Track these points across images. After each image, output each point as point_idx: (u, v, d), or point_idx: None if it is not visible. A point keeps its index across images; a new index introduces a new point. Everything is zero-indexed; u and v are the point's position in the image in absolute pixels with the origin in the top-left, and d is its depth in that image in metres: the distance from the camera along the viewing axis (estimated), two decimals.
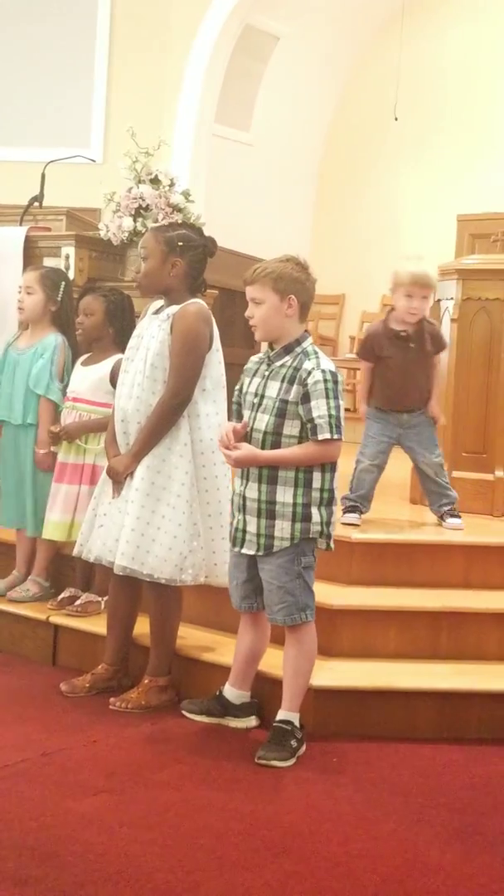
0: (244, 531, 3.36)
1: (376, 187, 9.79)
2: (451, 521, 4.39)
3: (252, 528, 3.33)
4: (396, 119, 9.19)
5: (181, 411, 3.57)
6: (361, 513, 4.40)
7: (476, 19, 9.36)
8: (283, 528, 3.27)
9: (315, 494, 3.28)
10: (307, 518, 3.27)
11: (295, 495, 3.26)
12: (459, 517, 4.41)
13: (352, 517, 4.33)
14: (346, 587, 4.04)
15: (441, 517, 4.45)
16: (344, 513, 4.35)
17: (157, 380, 3.58)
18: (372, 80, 9.79)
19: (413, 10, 9.32)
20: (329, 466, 3.29)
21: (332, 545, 3.36)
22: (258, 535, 3.31)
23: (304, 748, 3.35)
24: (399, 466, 4.59)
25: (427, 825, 2.90)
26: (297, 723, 3.35)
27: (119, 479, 3.64)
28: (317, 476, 3.28)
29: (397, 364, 4.35)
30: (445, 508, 4.44)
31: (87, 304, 4.21)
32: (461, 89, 9.44)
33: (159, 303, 3.74)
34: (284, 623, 3.34)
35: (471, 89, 9.40)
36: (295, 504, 3.26)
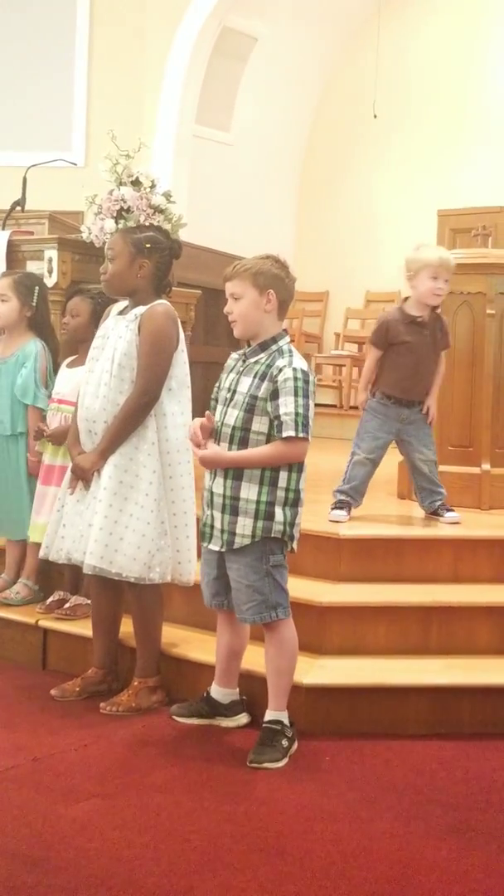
0: (212, 526, 3.37)
1: (357, 184, 9.80)
2: (449, 515, 4.40)
3: (217, 523, 3.34)
4: (376, 116, 9.20)
5: (149, 410, 3.59)
6: (352, 507, 4.39)
7: (451, 14, 9.39)
8: (244, 525, 3.27)
9: (280, 493, 3.27)
10: (270, 517, 3.26)
11: (259, 493, 3.26)
12: (454, 510, 4.42)
13: (339, 514, 4.32)
14: (335, 584, 4.04)
15: (435, 513, 4.45)
16: (332, 508, 4.34)
17: (124, 379, 3.59)
18: (351, 78, 9.80)
19: (389, 7, 9.34)
20: (296, 466, 3.29)
21: (294, 547, 3.36)
22: (222, 531, 3.32)
23: (295, 746, 3.34)
24: (386, 461, 4.58)
25: (421, 822, 2.90)
26: (286, 721, 3.34)
27: (86, 476, 3.65)
28: (283, 475, 3.27)
29: (411, 350, 4.35)
30: (438, 504, 4.45)
31: (75, 305, 4.21)
32: (439, 85, 9.46)
33: (123, 303, 3.78)
34: (254, 622, 3.34)
35: (448, 85, 9.43)
36: (258, 502, 3.26)
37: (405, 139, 9.54)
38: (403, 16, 9.44)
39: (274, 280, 3.29)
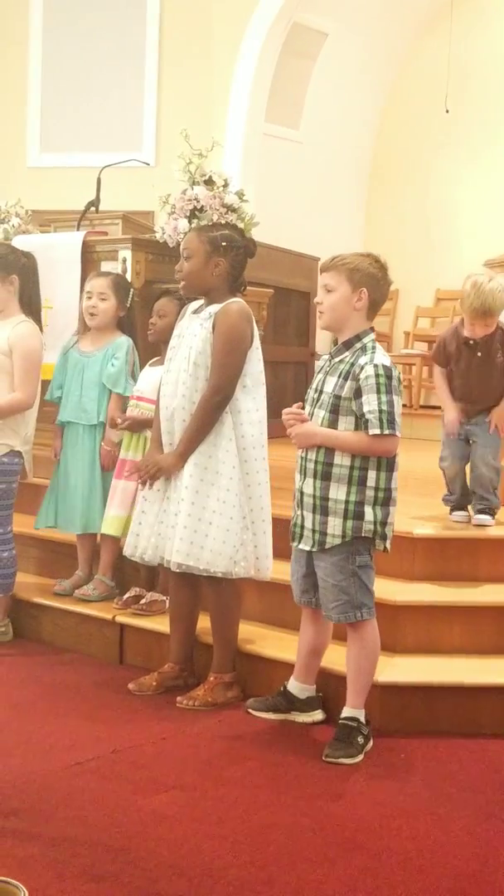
0: (302, 527, 3.39)
1: (429, 181, 9.73)
2: (480, 517, 4.35)
3: (308, 523, 3.35)
4: (448, 111, 9.12)
5: (223, 408, 3.62)
6: (466, 507, 4.45)
7: None
8: (335, 525, 3.28)
9: (369, 493, 3.28)
10: (359, 516, 3.27)
11: (348, 493, 3.27)
12: (491, 516, 4.35)
13: (461, 514, 4.41)
14: (409, 583, 4.04)
15: (474, 512, 4.41)
16: (453, 510, 4.43)
17: (199, 378, 3.63)
18: (421, 72, 9.72)
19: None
20: (385, 465, 3.29)
21: (388, 546, 3.35)
22: (313, 531, 3.34)
23: (370, 744, 3.36)
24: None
25: (498, 820, 2.90)
26: (362, 719, 3.36)
27: (158, 476, 3.70)
28: (371, 475, 3.27)
29: (461, 371, 4.36)
30: (480, 507, 4.39)
31: (162, 305, 4.26)
32: None
33: (198, 302, 3.80)
34: (339, 621, 3.36)
35: None
36: (347, 501, 3.27)
37: (478, 134, 9.43)
38: (476, 7, 9.33)
39: (369, 279, 3.30)
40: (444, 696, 3.58)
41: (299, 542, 3.41)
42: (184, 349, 3.70)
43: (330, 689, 3.56)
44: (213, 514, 3.58)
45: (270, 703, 3.61)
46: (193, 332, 3.69)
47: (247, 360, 3.67)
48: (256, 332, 3.73)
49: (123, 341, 4.48)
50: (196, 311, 3.78)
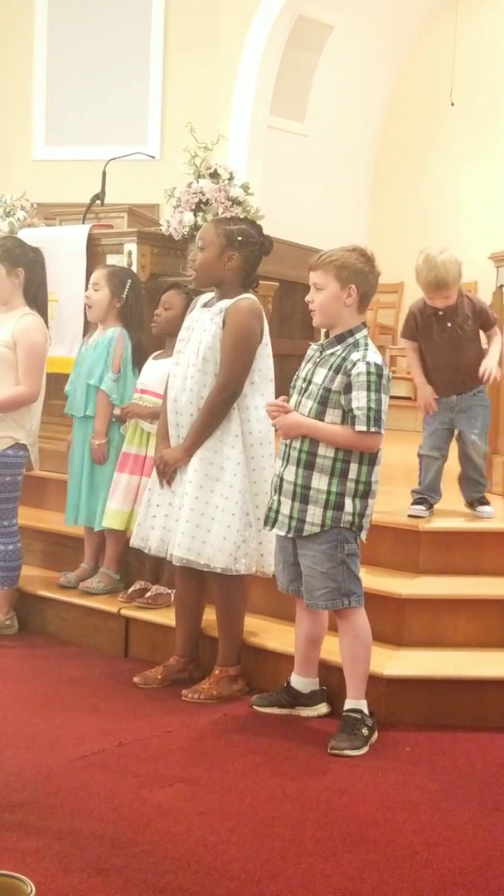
0: (277, 511, 3.40)
1: (434, 174, 9.70)
2: (482, 508, 4.34)
3: (285, 509, 3.37)
4: (453, 104, 9.09)
5: (230, 405, 3.62)
6: (430, 504, 4.36)
7: None
8: (314, 514, 3.30)
9: (350, 485, 3.30)
10: (339, 507, 3.29)
11: (329, 483, 3.29)
12: (490, 505, 4.36)
13: (417, 509, 4.30)
14: (415, 576, 4.04)
15: (472, 504, 4.39)
16: (411, 504, 4.34)
17: (208, 373, 3.62)
18: (427, 65, 9.69)
19: None
20: (367, 459, 3.30)
21: (363, 538, 3.38)
22: (290, 518, 3.35)
23: (375, 735, 3.36)
24: None
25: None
26: (365, 710, 3.36)
27: (167, 470, 3.69)
28: (353, 467, 3.29)
29: (435, 343, 4.31)
30: (477, 496, 4.38)
31: (169, 298, 4.25)
32: None
33: (208, 295, 3.79)
34: (325, 608, 3.38)
35: None
36: (328, 492, 3.29)
37: (483, 127, 9.40)
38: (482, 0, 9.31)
39: (357, 274, 3.30)
40: (450, 690, 3.57)
41: (272, 527, 3.43)
42: (193, 343, 3.69)
43: (333, 681, 3.55)
44: (215, 510, 3.58)
45: (275, 699, 3.61)
46: (203, 327, 3.67)
47: (256, 356, 3.66)
48: (266, 329, 3.72)
49: (110, 333, 4.46)
50: (206, 305, 3.76)
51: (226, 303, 3.66)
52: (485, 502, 4.38)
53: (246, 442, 3.64)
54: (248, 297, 3.68)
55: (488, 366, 4.28)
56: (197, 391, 3.64)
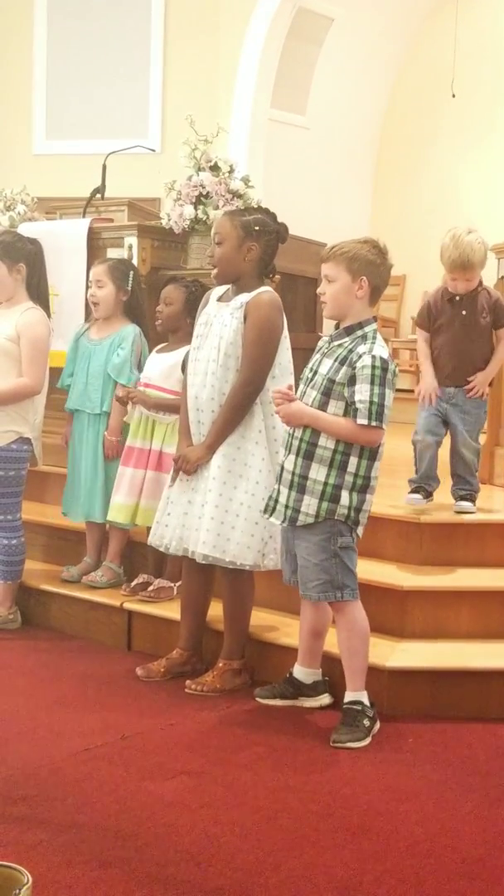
0: (276, 500, 3.41)
1: (435, 166, 9.69)
2: (461, 503, 4.26)
3: (283, 498, 3.38)
4: (454, 96, 9.08)
5: (253, 400, 3.58)
6: (429, 492, 4.32)
7: None
8: (309, 504, 3.30)
9: (348, 478, 3.29)
10: (335, 499, 3.29)
11: (328, 475, 3.29)
12: (472, 502, 4.28)
13: (413, 497, 4.24)
14: (417, 568, 4.04)
15: (455, 498, 4.32)
16: (408, 493, 4.31)
17: (230, 368, 3.58)
18: (428, 57, 9.67)
19: None
20: (367, 453, 3.30)
21: (359, 532, 3.37)
22: (286, 507, 3.36)
23: (377, 726, 3.36)
24: None
25: None
26: (366, 701, 3.37)
27: (189, 468, 3.65)
28: (353, 461, 3.29)
29: (445, 328, 4.27)
30: (462, 493, 4.30)
31: (169, 293, 4.23)
32: None
33: (222, 289, 3.73)
34: (318, 599, 3.37)
35: None
36: (326, 483, 3.29)
37: (484, 118, 9.39)
38: None
39: (368, 266, 3.29)
40: (452, 681, 3.58)
41: (271, 515, 3.43)
42: (213, 338, 3.63)
43: (336, 672, 3.55)
44: (240, 507, 3.55)
45: (277, 690, 3.62)
46: (223, 322, 3.61)
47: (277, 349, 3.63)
48: (285, 321, 3.67)
49: (130, 330, 4.45)
50: (221, 299, 3.70)
51: (245, 297, 3.59)
52: (468, 499, 4.28)
53: (269, 437, 3.60)
54: (268, 290, 3.63)
55: (479, 382, 4.26)
56: (218, 387, 3.59)
